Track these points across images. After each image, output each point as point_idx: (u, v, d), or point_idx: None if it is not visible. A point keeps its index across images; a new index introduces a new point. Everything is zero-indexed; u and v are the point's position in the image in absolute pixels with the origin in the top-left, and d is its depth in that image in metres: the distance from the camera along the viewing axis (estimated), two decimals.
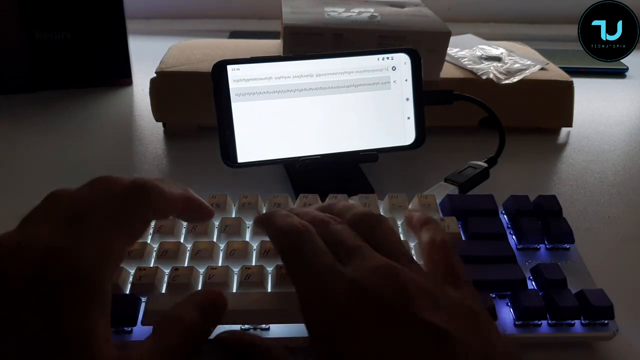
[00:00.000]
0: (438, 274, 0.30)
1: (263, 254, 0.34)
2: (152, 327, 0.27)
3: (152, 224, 0.36)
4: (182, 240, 0.35)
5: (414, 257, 0.33)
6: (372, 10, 0.54)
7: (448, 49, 0.52)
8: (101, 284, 0.24)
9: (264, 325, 0.32)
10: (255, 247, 0.35)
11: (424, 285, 0.25)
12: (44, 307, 0.22)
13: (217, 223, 0.37)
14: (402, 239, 0.36)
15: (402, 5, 0.57)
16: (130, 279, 0.32)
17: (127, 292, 0.32)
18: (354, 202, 0.35)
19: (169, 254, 0.34)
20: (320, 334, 0.25)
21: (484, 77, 0.56)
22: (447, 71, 0.56)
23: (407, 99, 0.45)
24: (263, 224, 0.32)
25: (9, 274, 0.23)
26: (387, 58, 0.44)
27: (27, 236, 0.25)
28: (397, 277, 0.25)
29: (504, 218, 0.39)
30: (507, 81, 0.55)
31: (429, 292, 0.25)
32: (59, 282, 0.23)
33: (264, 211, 0.38)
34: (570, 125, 0.59)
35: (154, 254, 0.34)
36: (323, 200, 0.39)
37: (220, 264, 0.34)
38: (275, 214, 0.31)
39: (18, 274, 0.23)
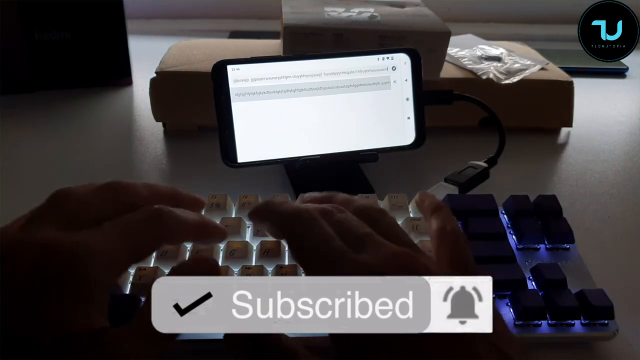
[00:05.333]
0: (446, 263, 0.29)
1: (263, 253, 0.34)
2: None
3: None
4: None
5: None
6: (372, 10, 0.54)
7: (448, 49, 0.52)
8: (97, 285, 0.24)
9: None
10: (255, 247, 0.35)
11: (437, 274, 0.25)
12: (33, 300, 0.23)
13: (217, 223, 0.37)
14: None
15: (402, 5, 0.57)
16: (130, 279, 0.32)
17: (127, 292, 0.32)
18: (354, 196, 0.34)
19: (169, 254, 0.34)
20: None
21: (484, 77, 0.56)
22: (447, 71, 0.55)
23: (407, 99, 0.45)
24: (262, 214, 0.31)
25: (7, 270, 0.24)
26: (387, 58, 0.44)
27: (30, 234, 0.25)
28: (415, 265, 0.25)
29: (504, 218, 0.39)
30: (507, 81, 0.55)
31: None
32: (51, 277, 0.23)
33: None
34: (570, 125, 0.59)
35: (154, 254, 0.34)
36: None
37: (220, 264, 0.34)
38: (274, 202, 0.30)
39: (16, 269, 0.24)
